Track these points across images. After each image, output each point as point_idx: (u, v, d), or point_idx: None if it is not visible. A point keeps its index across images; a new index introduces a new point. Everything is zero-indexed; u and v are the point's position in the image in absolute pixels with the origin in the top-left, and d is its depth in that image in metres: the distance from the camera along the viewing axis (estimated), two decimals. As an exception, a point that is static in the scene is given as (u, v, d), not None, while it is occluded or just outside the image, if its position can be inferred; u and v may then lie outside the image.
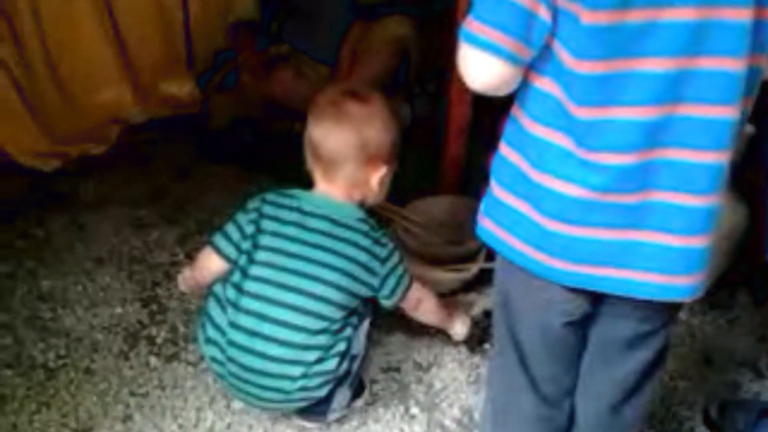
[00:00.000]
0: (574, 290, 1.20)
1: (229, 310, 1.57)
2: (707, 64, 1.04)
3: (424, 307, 1.76)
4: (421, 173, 2.47)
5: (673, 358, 1.99)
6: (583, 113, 1.07)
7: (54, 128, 2.72)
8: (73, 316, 1.97)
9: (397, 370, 1.89)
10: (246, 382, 1.59)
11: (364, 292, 1.60)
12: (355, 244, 1.57)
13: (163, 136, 2.92)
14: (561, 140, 1.10)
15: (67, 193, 2.49)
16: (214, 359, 1.62)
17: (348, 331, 1.59)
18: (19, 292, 2.03)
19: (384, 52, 2.77)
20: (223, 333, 1.58)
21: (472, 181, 2.41)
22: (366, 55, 2.78)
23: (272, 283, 1.55)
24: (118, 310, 2.00)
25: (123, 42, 2.95)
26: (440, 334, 1.98)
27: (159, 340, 1.91)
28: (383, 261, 1.60)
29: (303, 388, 1.57)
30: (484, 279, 2.16)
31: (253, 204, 1.61)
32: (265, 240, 1.56)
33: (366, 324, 1.66)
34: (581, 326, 1.29)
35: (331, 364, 1.57)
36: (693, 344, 2.06)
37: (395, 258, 1.63)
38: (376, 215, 2.31)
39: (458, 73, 2.16)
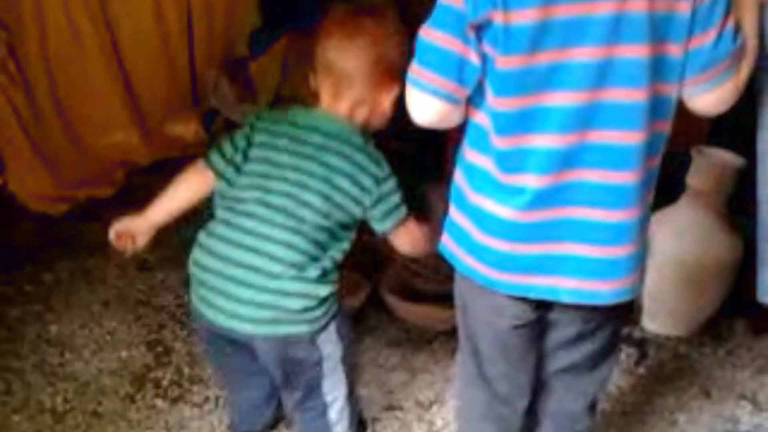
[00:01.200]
0: (518, 298, 1.32)
1: (219, 212, 1.53)
2: (611, 95, 1.17)
3: (412, 246, 1.62)
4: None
5: (671, 392, 2.02)
6: (503, 142, 1.21)
7: (62, 172, 2.78)
8: (81, 360, 2.00)
9: (400, 408, 1.92)
10: (227, 278, 1.49)
11: (354, 208, 1.50)
12: (349, 158, 1.49)
13: (167, 176, 2.97)
14: (488, 165, 1.25)
15: (74, 237, 2.54)
16: (197, 263, 1.55)
17: (333, 251, 1.51)
18: (29, 337, 2.07)
19: None
20: (211, 235, 1.53)
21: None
22: None
23: (259, 188, 1.48)
24: (124, 353, 2.03)
25: (130, 85, 3.03)
26: (442, 371, 2.01)
27: (165, 383, 1.94)
28: (378, 181, 1.50)
29: (279, 290, 1.48)
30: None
31: (248, 121, 1.54)
32: (254, 152, 1.50)
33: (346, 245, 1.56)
34: (531, 329, 1.38)
35: (312, 272, 1.48)
36: (692, 377, 2.08)
37: (392, 183, 1.52)
38: (375, 253, 2.37)
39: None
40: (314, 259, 1.48)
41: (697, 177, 2.13)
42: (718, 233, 2.14)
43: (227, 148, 1.52)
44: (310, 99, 1.58)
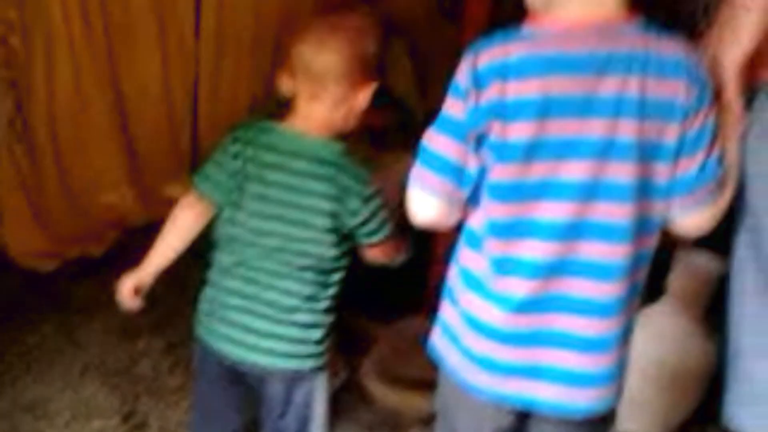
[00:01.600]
0: (500, 404, 1.33)
1: (224, 249, 1.56)
2: (599, 211, 1.21)
3: (389, 257, 1.66)
4: (407, 294, 2.53)
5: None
6: (495, 246, 1.25)
7: (55, 228, 2.80)
8: (52, 428, 1.99)
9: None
10: (244, 312, 1.54)
11: (344, 229, 1.53)
12: (334, 181, 1.49)
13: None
14: (481, 266, 1.28)
15: (61, 295, 2.55)
16: (211, 300, 1.58)
17: (335, 279, 1.56)
18: (2, 402, 2.05)
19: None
20: (223, 272, 1.56)
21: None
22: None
23: (255, 232, 1.50)
24: (97, 423, 2.02)
25: (132, 146, 3.07)
26: None
27: (136, 457, 1.93)
28: (365, 200, 1.51)
29: (297, 323, 1.53)
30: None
31: (232, 147, 1.51)
32: (245, 184, 1.50)
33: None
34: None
35: (322, 304, 1.55)
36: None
37: (378, 201, 1.54)
38: (356, 333, 2.37)
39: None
40: (323, 290, 1.54)
41: (678, 281, 2.15)
42: (697, 337, 2.15)
43: (217, 175, 1.52)
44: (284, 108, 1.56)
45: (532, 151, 1.19)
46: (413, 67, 3.08)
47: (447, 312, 1.37)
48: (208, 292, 1.60)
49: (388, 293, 2.65)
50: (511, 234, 1.24)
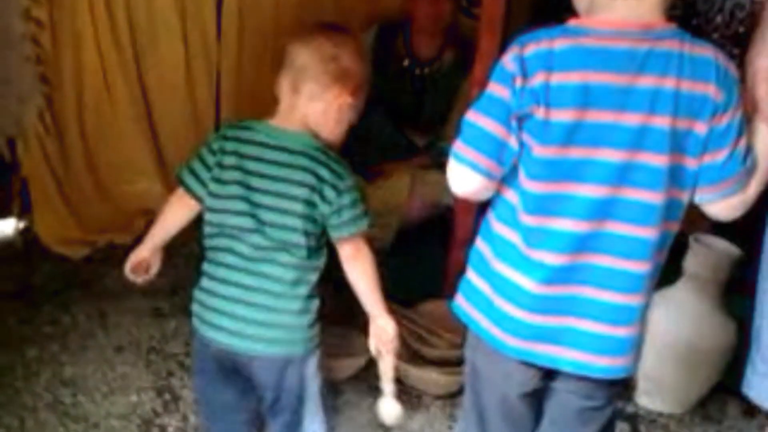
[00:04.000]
0: (526, 364, 1.44)
1: (211, 239, 1.64)
2: (630, 194, 1.32)
3: (363, 263, 1.65)
4: (429, 279, 2.61)
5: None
6: (530, 220, 1.36)
7: (85, 217, 2.90)
8: (92, 402, 2.08)
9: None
10: (231, 300, 1.60)
11: (320, 219, 1.59)
12: (313, 172, 1.57)
13: (186, 228, 3.08)
14: (514, 238, 1.39)
15: (92, 281, 2.64)
16: (201, 288, 1.67)
17: (315, 265, 1.61)
18: (44, 377, 2.15)
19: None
20: (211, 261, 1.65)
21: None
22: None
23: (240, 214, 1.57)
24: (134, 398, 2.11)
25: (156, 137, 3.15)
26: None
27: (170, 429, 2.02)
28: (339, 192, 1.58)
29: (283, 309, 1.59)
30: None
31: (215, 143, 1.62)
32: (227, 175, 1.59)
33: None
34: (536, 398, 1.51)
35: (303, 290, 1.59)
36: (682, 457, 2.13)
37: (352, 196, 1.60)
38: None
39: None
40: (304, 275, 1.60)
41: (694, 263, 2.22)
42: (714, 317, 2.22)
43: (201, 171, 1.62)
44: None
45: (571, 134, 1.31)
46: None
47: (475, 279, 1.48)
48: (200, 283, 1.67)
49: (409, 277, 2.74)
50: (545, 210, 1.35)
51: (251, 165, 1.58)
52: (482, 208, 2.46)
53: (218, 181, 1.60)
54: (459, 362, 2.29)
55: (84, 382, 2.15)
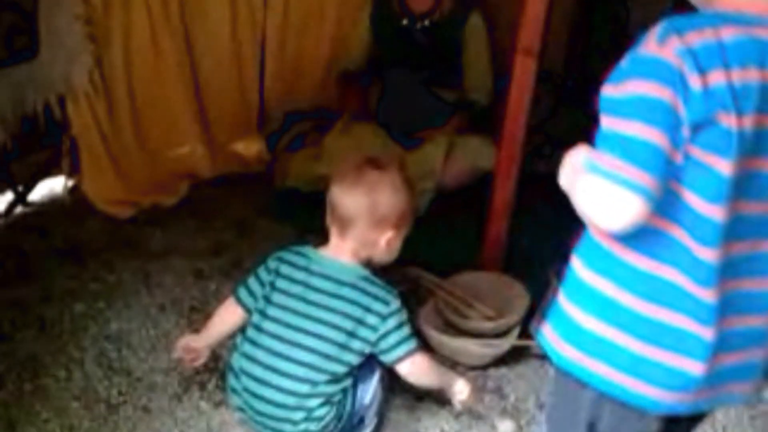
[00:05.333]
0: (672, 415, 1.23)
1: (243, 361, 1.77)
2: None
3: (420, 376, 1.83)
4: (466, 247, 2.63)
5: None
6: (709, 254, 1.12)
7: (131, 178, 2.96)
8: (136, 357, 2.16)
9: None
10: (260, 416, 1.79)
11: (362, 347, 1.73)
12: (354, 302, 1.71)
13: (228, 191, 3.15)
14: (677, 277, 1.14)
15: (137, 241, 2.71)
16: (237, 407, 1.85)
17: (348, 382, 1.75)
18: (91, 331, 2.23)
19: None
20: (239, 380, 1.79)
21: (513, 259, 2.56)
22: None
23: (280, 339, 1.73)
24: (176, 355, 2.18)
25: (202, 102, 3.21)
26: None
27: (210, 387, 2.08)
28: (383, 318, 1.71)
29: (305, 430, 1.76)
30: (516, 355, 2.30)
31: (272, 263, 1.79)
32: (276, 297, 1.75)
33: (377, 375, 1.80)
34: None
35: (331, 411, 1.74)
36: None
37: (397, 319, 1.73)
38: (417, 285, 2.49)
39: (506, 153, 2.30)
40: (332, 396, 1.74)
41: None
42: None
43: (256, 291, 1.79)
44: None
45: (756, 145, 1.09)
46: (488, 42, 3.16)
47: (598, 327, 1.20)
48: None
49: (443, 244, 2.77)
50: (728, 235, 1.12)
51: (297, 290, 1.73)
52: (521, 184, 2.50)
53: (267, 300, 1.75)
54: (493, 334, 2.32)
55: (128, 338, 2.22)
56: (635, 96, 1.08)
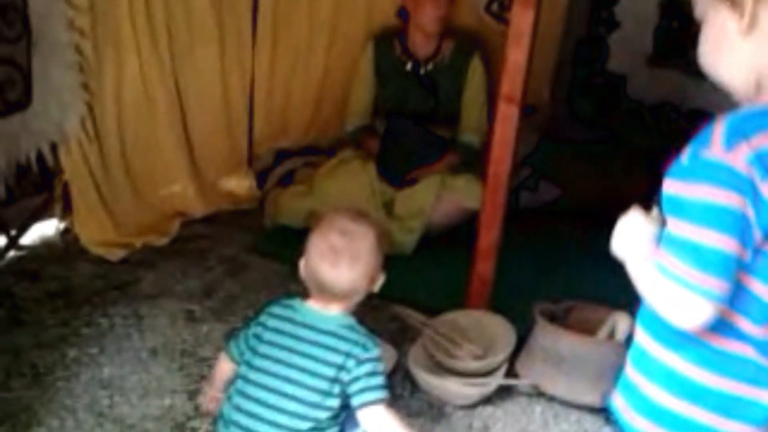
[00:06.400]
0: None
1: (232, 410, 1.78)
2: None
3: (377, 430, 1.77)
4: (452, 286, 2.67)
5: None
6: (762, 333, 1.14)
7: (123, 220, 3.00)
8: (128, 404, 2.18)
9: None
10: None
11: (340, 389, 1.73)
12: (335, 349, 1.75)
13: (219, 229, 3.19)
14: (749, 352, 1.16)
15: (128, 283, 2.75)
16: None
17: (334, 429, 1.76)
18: (83, 378, 2.25)
19: None
20: (227, 429, 1.78)
21: (499, 295, 2.59)
22: None
23: (265, 388, 1.76)
24: (168, 401, 2.21)
25: (191, 142, 3.26)
26: None
27: (201, 432, 2.11)
28: (360, 362, 1.73)
29: None
30: (503, 393, 2.33)
31: (262, 317, 1.85)
32: (262, 349, 1.79)
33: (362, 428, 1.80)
34: None
35: None
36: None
37: (374, 365, 1.75)
38: (404, 323, 2.53)
39: (491, 196, 2.34)
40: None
41: None
42: None
43: (242, 344, 1.84)
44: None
45: None
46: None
47: (660, 395, 1.22)
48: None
49: (431, 283, 2.81)
50: None
51: (283, 341, 1.78)
52: (507, 218, 2.54)
53: (254, 351, 1.79)
54: (480, 373, 2.36)
55: (121, 384, 2.25)
56: (705, 203, 1.08)
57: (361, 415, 1.76)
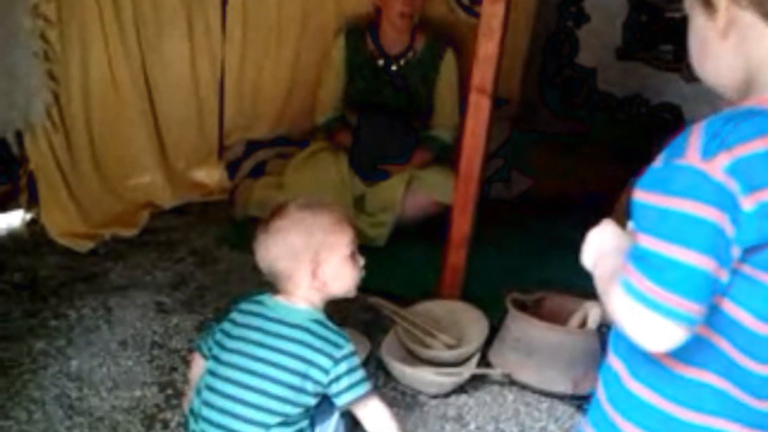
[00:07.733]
0: None
1: (201, 405, 1.77)
2: None
3: (371, 421, 1.81)
4: (425, 277, 2.68)
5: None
6: (762, 369, 1.05)
7: (90, 210, 2.96)
8: (97, 396, 2.15)
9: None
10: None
11: (316, 388, 1.73)
12: (304, 343, 1.73)
13: (188, 221, 3.16)
14: (725, 385, 1.07)
15: (97, 275, 2.71)
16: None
17: (304, 423, 1.75)
18: (51, 370, 2.22)
19: None
20: (197, 423, 1.78)
21: (471, 285, 2.61)
22: None
23: (233, 382, 1.74)
24: (138, 392, 2.18)
25: (160, 132, 3.22)
26: None
27: (173, 424, 2.08)
28: (336, 361, 1.72)
29: None
30: (476, 382, 2.34)
31: (231, 314, 1.83)
32: (230, 344, 1.77)
33: (335, 415, 1.80)
34: None
35: None
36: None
37: (351, 362, 1.74)
38: (377, 313, 2.53)
39: (463, 187, 2.35)
40: (281, 428, 1.73)
41: None
42: None
43: (209, 340, 1.83)
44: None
45: None
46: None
47: (631, 428, 1.11)
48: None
49: (404, 274, 2.82)
50: None
51: (252, 335, 1.76)
52: (479, 209, 2.56)
53: (221, 346, 1.78)
54: (453, 362, 2.37)
55: (89, 376, 2.22)
56: (678, 213, 0.96)
57: (355, 412, 1.78)
